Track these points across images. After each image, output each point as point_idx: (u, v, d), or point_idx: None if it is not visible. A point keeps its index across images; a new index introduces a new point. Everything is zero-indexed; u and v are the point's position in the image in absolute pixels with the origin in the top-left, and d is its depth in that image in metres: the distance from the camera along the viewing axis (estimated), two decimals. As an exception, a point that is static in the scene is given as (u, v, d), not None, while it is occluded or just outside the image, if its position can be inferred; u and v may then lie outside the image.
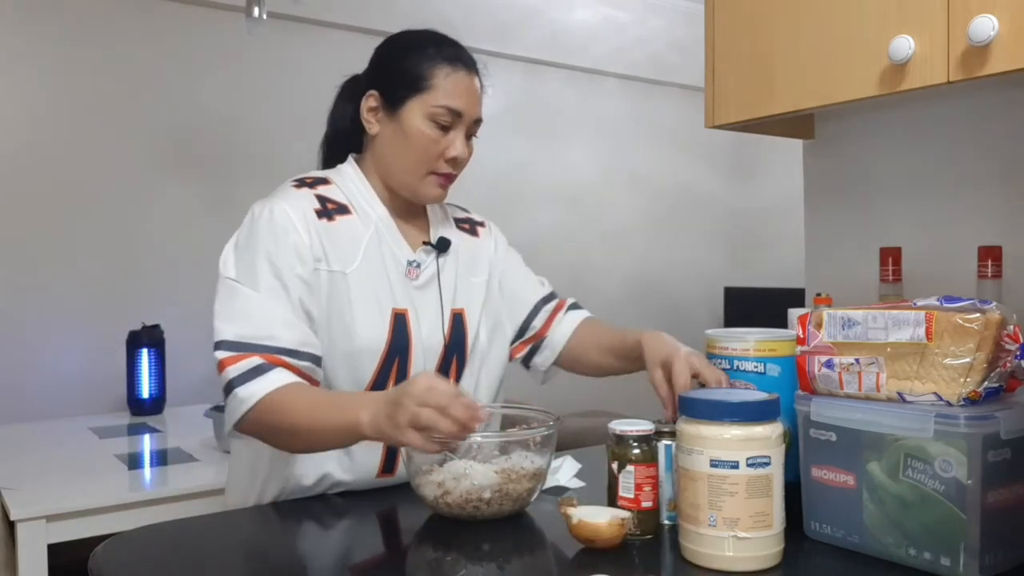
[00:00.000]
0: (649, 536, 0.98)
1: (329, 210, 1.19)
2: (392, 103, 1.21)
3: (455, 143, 1.21)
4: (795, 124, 1.68)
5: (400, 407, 0.93)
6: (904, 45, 1.17)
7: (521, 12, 3.42)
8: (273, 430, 1.07)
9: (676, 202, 4.01)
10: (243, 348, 1.07)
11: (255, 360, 1.06)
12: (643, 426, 1.00)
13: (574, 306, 1.46)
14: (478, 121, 1.24)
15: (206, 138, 2.73)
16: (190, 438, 2.08)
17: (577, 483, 1.22)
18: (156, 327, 2.45)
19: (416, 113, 1.19)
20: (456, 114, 1.20)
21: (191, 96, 2.71)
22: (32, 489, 1.63)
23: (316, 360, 1.12)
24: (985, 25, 1.08)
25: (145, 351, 2.40)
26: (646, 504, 0.97)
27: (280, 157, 2.78)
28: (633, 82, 3.83)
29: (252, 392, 1.05)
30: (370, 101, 1.23)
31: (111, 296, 2.55)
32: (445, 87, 1.19)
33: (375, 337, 1.17)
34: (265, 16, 2.34)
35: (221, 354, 1.08)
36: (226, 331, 1.09)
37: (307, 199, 1.19)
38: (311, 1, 2.77)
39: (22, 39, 2.43)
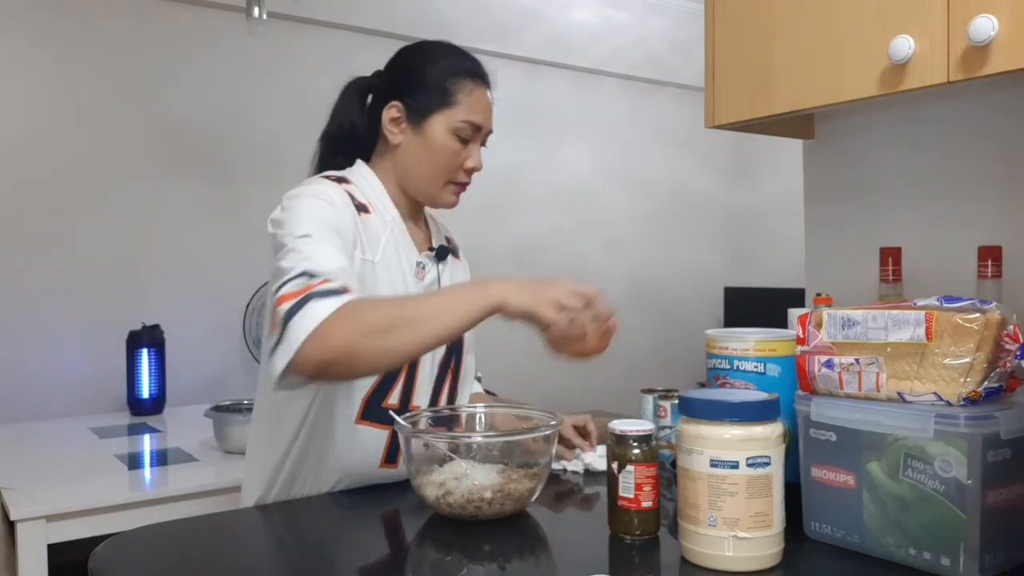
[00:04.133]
0: (649, 536, 0.98)
1: (356, 205, 1.24)
2: (417, 115, 1.26)
3: (473, 154, 1.29)
4: (795, 124, 1.68)
5: (550, 285, 1.01)
6: (904, 45, 1.17)
7: (521, 12, 3.42)
8: (358, 333, 1.00)
9: (676, 202, 4.01)
10: (327, 273, 1.05)
11: (336, 285, 1.04)
12: (643, 426, 1.00)
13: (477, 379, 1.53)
14: (490, 132, 1.32)
15: (206, 138, 2.73)
16: (190, 438, 2.08)
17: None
18: (156, 327, 2.45)
19: (441, 127, 1.26)
20: (477, 128, 1.28)
21: (191, 96, 2.71)
22: (32, 489, 1.63)
23: None
24: (985, 25, 1.08)
25: (145, 351, 2.40)
26: (646, 504, 0.97)
27: (280, 157, 2.78)
28: (633, 82, 3.83)
29: (328, 305, 1.01)
30: (392, 112, 1.28)
31: (111, 296, 2.55)
32: (469, 103, 1.26)
33: None
34: (265, 16, 2.34)
35: (305, 279, 1.04)
36: (302, 266, 1.06)
37: (342, 194, 1.22)
38: (311, 1, 2.77)
39: (22, 39, 2.43)
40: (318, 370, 1.01)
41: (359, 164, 1.32)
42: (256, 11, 2.31)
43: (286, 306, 1.02)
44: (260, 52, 2.81)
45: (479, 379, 1.55)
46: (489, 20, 3.32)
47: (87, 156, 2.53)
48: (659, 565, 0.93)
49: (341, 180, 1.26)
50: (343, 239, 1.15)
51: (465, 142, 1.27)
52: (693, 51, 3.79)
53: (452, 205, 1.33)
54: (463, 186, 1.32)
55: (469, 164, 1.29)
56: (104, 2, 2.55)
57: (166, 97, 2.66)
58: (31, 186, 2.44)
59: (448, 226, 1.49)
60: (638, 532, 0.97)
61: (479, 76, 1.29)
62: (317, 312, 1.00)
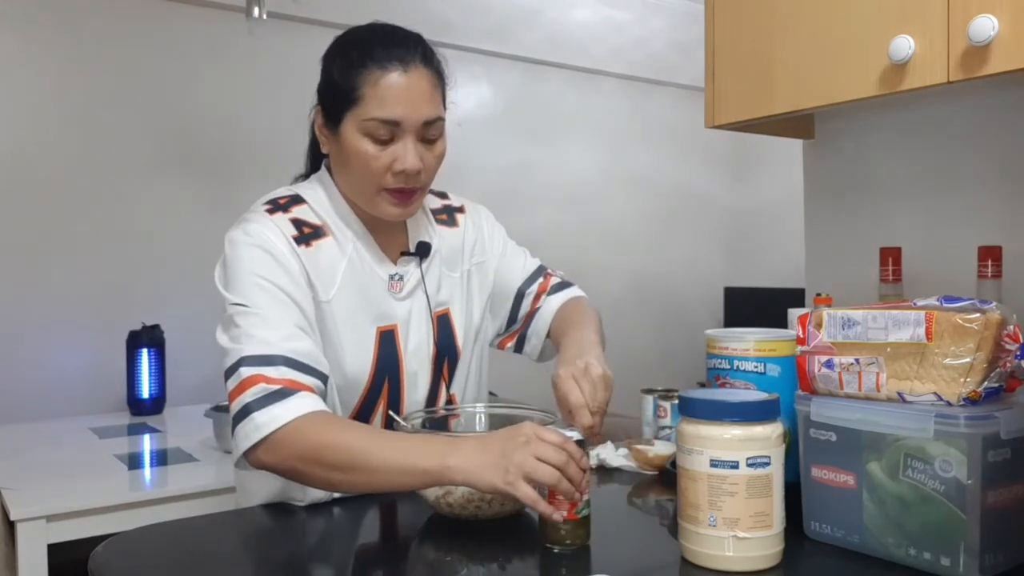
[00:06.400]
0: (578, 545, 0.94)
1: (306, 235, 1.12)
2: (332, 120, 1.12)
3: (401, 155, 1.08)
4: (795, 124, 1.68)
5: (508, 457, 0.90)
6: (904, 45, 1.17)
7: (520, 12, 3.42)
8: (302, 460, 0.98)
9: (676, 202, 4.01)
10: (266, 362, 1.00)
11: (275, 386, 0.99)
12: (568, 433, 0.96)
13: (559, 286, 1.38)
14: (431, 122, 1.10)
15: (206, 138, 2.73)
16: (190, 438, 2.08)
17: (622, 460, 1.25)
18: (156, 327, 2.45)
19: (351, 129, 1.09)
20: (394, 124, 1.07)
21: (191, 96, 2.71)
22: (32, 489, 1.63)
23: (325, 380, 1.07)
24: (985, 25, 1.08)
25: (145, 351, 2.40)
26: (561, 515, 0.92)
27: (280, 157, 2.76)
28: (633, 82, 3.83)
29: (275, 415, 0.98)
30: (317, 118, 1.16)
31: (111, 296, 2.55)
32: (376, 96, 1.06)
33: (361, 362, 1.15)
34: (265, 16, 2.33)
35: (246, 371, 1.00)
36: (242, 350, 1.02)
37: (284, 225, 1.12)
38: (311, 1, 2.77)
39: (22, 39, 2.43)
40: (270, 471, 1.03)
41: (319, 175, 1.20)
42: (256, 11, 2.31)
43: (233, 406, 1.01)
44: (260, 52, 2.80)
45: (562, 285, 1.41)
46: (489, 20, 3.32)
47: (86, 156, 2.53)
48: (658, 565, 0.92)
49: (292, 202, 1.15)
50: (285, 290, 1.06)
51: (384, 142, 1.08)
52: (693, 51, 3.78)
53: (398, 216, 1.14)
54: (402, 192, 1.11)
55: (397, 167, 1.08)
56: (103, 2, 2.55)
57: (166, 97, 2.66)
58: (31, 187, 2.44)
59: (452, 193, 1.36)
60: (568, 542, 0.93)
61: (389, 59, 1.07)
62: (260, 424, 0.98)
